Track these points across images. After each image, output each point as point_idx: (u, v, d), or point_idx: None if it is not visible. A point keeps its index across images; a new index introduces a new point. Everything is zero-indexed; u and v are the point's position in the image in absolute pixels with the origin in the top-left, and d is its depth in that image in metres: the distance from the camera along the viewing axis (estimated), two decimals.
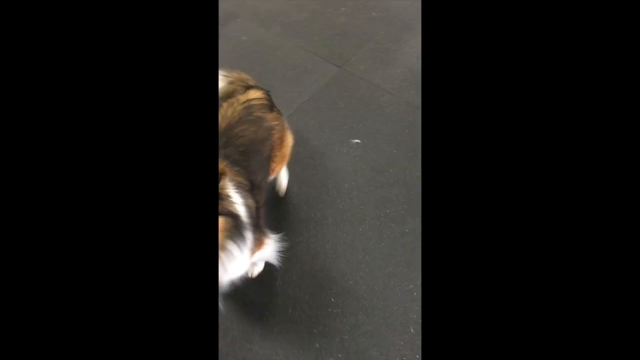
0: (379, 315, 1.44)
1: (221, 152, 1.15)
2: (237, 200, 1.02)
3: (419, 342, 1.38)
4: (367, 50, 2.39)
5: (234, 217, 0.98)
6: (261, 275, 1.50)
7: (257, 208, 1.15)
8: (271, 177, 1.49)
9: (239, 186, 1.09)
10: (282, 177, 1.67)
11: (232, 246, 0.98)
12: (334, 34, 2.47)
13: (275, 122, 1.38)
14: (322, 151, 1.90)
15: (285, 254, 1.57)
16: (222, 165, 0.95)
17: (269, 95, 1.45)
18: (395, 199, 1.76)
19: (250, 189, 1.13)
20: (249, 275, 1.45)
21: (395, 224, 1.69)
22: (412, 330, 1.41)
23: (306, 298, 1.47)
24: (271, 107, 1.40)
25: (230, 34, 2.42)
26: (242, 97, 1.34)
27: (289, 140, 1.52)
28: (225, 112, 1.28)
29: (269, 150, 1.33)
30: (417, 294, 1.50)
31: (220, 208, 0.94)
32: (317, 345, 1.38)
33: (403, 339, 1.39)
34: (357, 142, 1.96)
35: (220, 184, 0.95)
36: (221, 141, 1.19)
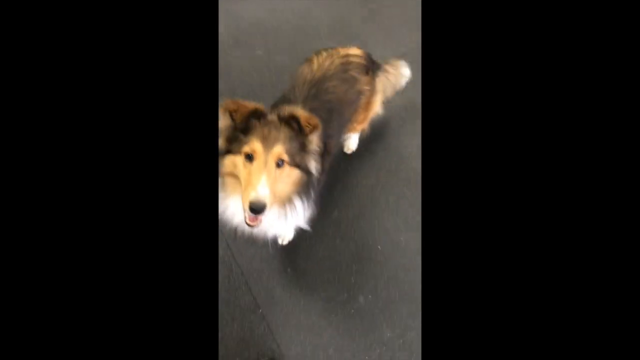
0: (416, 276, 1.46)
1: (308, 103, 1.17)
2: (315, 159, 1.05)
3: None
4: None
5: (309, 175, 1.02)
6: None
7: (321, 175, 1.16)
8: (344, 136, 1.48)
9: (317, 143, 1.09)
10: (353, 139, 1.66)
11: (298, 201, 1.04)
12: None
13: (367, 87, 1.34)
14: (416, 105, 1.82)
15: (350, 192, 1.62)
16: (316, 119, 0.97)
17: (369, 56, 1.39)
18: None
19: (323, 153, 1.14)
20: (280, 242, 1.48)
21: None
22: None
23: (355, 237, 1.53)
24: (367, 69, 1.35)
25: None
26: (343, 51, 1.32)
27: (377, 104, 1.47)
28: (323, 62, 1.27)
29: (351, 113, 1.32)
30: None
31: (300, 160, 0.98)
32: (352, 279, 1.47)
33: None
34: None
35: (312, 136, 0.99)
36: (311, 91, 1.19)
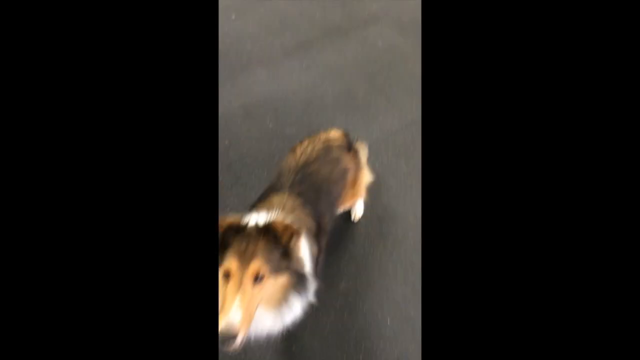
0: None
1: (296, 187, 1.22)
2: (305, 255, 1.05)
3: None
4: None
5: (300, 276, 1.01)
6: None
7: (319, 254, 1.17)
8: (340, 211, 1.51)
9: (307, 231, 1.12)
10: (358, 207, 1.69)
11: (294, 299, 1.01)
12: None
13: (351, 164, 1.42)
14: None
15: (358, 262, 1.60)
16: (293, 227, 0.97)
17: (348, 135, 1.49)
18: None
19: (317, 233, 1.16)
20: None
21: None
22: None
23: (364, 310, 1.48)
24: (349, 147, 1.45)
25: (368, 37, 2.48)
26: (323, 136, 1.42)
27: (364, 178, 1.53)
28: (306, 149, 1.35)
29: (340, 190, 1.37)
30: None
31: (286, 265, 0.96)
32: (360, 357, 1.38)
33: None
34: None
35: (294, 243, 0.97)
36: (297, 176, 1.25)
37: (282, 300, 1.00)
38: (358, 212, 1.70)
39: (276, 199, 1.20)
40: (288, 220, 1.09)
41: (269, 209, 1.15)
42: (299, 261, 1.02)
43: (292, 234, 0.95)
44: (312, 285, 1.07)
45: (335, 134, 1.45)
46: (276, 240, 0.95)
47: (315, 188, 1.25)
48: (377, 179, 1.82)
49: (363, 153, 1.58)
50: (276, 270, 0.94)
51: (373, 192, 1.78)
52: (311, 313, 1.43)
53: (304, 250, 1.07)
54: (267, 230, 0.95)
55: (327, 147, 1.37)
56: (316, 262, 1.13)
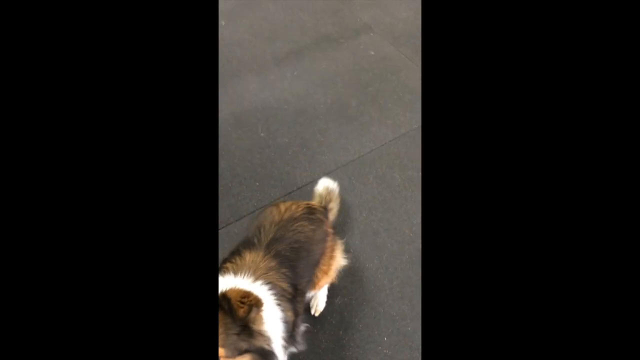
0: None
1: (274, 246, 1.10)
2: (271, 328, 0.95)
3: None
4: None
5: (265, 354, 0.91)
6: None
7: (296, 319, 1.08)
8: (311, 293, 1.36)
9: (281, 295, 1.03)
10: (321, 296, 1.46)
11: None
12: None
13: (331, 230, 1.34)
14: (417, 184, 1.83)
15: (353, 276, 1.56)
16: (254, 294, 0.87)
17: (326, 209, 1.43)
18: None
19: (293, 297, 1.06)
20: None
21: None
22: None
23: (360, 327, 1.44)
24: (327, 221, 1.37)
25: (360, 46, 2.47)
26: (304, 203, 1.34)
27: (339, 258, 1.38)
28: (290, 206, 1.26)
29: (320, 254, 1.25)
30: None
31: (249, 345, 0.85)
32: None
33: None
34: None
35: (253, 315, 0.86)
36: (277, 233, 1.14)
37: None
38: (320, 304, 1.45)
39: (249, 257, 1.08)
40: (256, 284, 0.98)
41: (238, 270, 1.03)
42: (263, 336, 0.90)
43: (250, 305, 0.84)
44: (291, 341, 0.97)
45: (315, 204, 1.39)
46: (232, 316, 0.84)
47: (297, 247, 1.15)
48: (372, 191, 1.80)
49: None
50: (234, 353, 0.83)
51: (367, 205, 1.76)
52: (306, 330, 1.38)
53: (270, 321, 0.95)
54: (223, 302, 0.84)
55: (311, 208, 1.28)
56: (292, 327, 1.02)
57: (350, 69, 2.35)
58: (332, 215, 1.49)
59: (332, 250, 1.35)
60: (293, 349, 1.13)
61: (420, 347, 1.39)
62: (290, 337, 1.05)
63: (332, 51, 2.45)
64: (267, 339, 0.93)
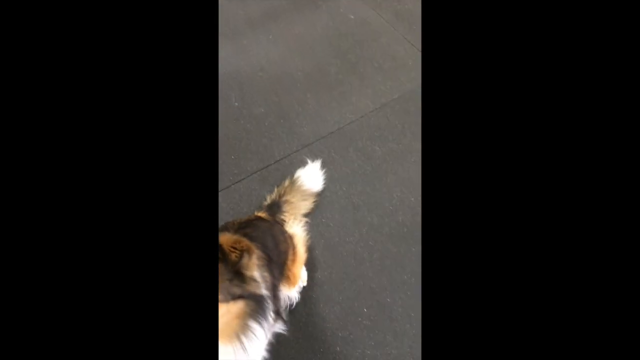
0: (407, 342, 1.38)
1: (240, 231, 1.12)
2: (259, 279, 0.95)
3: None
4: None
5: (257, 299, 0.91)
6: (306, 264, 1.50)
7: (273, 282, 1.08)
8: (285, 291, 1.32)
9: (259, 259, 1.02)
10: (302, 274, 1.42)
11: (255, 327, 0.90)
12: None
13: (290, 235, 1.34)
14: (398, 156, 1.81)
15: (333, 250, 1.55)
16: (245, 241, 0.88)
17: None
18: None
19: (268, 262, 1.07)
20: None
21: None
22: None
23: (340, 299, 1.45)
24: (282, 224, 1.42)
25: (339, 9, 2.34)
26: (254, 215, 1.37)
27: (302, 258, 1.38)
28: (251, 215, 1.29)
29: (285, 246, 1.26)
30: None
31: (242, 291, 0.86)
32: (337, 348, 1.37)
33: None
34: None
35: (245, 261, 0.88)
36: (243, 226, 1.17)
37: (240, 330, 0.88)
38: (302, 277, 1.43)
39: (220, 237, 1.06)
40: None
41: None
42: (255, 282, 0.91)
43: (242, 251, 0.85)
44: (271, 313, 0.96)
45: (265, 216, 1.41)
46: (224, 262, 0.84)
47: (260, 231, 1.17)
48: (352, 164, 1.77)
49: (299, 238, 1.41)
50: (227, 297, 0.83)
51: (347, 179, 1.73)
52: (288, 304, 1.38)
53: (258, 275, 0.95)
54: None
55: (273, 221, 1.32)
56: (272, 288, 1.02)
57: (329, 34, 2.23)
58: (290, 206, 1.50)
59: (295, 253, 1.34)
60: (279, 326, 1.13)
61: (399, 317, 1.42)
62: (275, 308, 1.04)
63: (310, 14, 2.31)
64: (259, 285, 0.93)
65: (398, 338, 1.39)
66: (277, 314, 1.08)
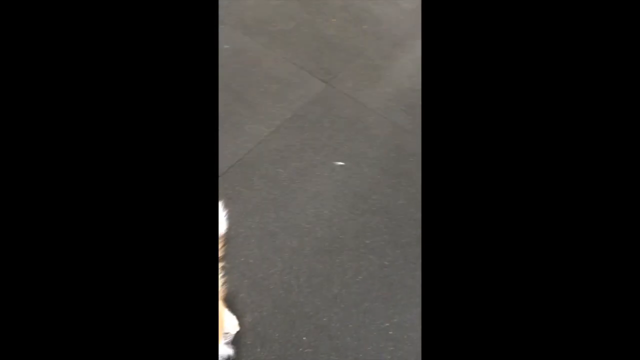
0: (351, 355, 1.37)
1: None
2: None
3: None
4: (355, 66, 2.31)
5: None
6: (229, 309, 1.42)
7: None
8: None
9: None
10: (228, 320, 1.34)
11: None
12: (322, 46, 2.38)
13: None
14: (303, 173, 1.82)
15: (259, 287, 1.49)
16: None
17: None
18: (377, 229, 1.70)
19: None
20: None
21: (375, 255, 1.62)
22: None
23: (277, 336, 1.40)
24: None
25: None
26: None
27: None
28: None
29: None
30: (393, 332, 1.45)
31: None
32: None
33: None
34: (341, 165, 1.88)
35: None
36: None
37: None
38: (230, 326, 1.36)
39: None
40: None
41: None
42: None
43: None
44: None
45: None
46: None
47: None
48: (260, 193, 1.73)
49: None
50: None
51: (258, 209, 1.69)
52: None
53: None
54: None
55: None
56: None
57: None
58: None
59: None
60: None
61: (338, 334, 1.41)
62: None
63: None
64: None
65: (341, 353, 1.37)
66: None
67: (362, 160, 1.92)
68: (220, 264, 1.48)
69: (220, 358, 1.26)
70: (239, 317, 1.40)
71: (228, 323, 1.35)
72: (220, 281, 1.35)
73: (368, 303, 1.50)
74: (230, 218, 1.59)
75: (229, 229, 1.58)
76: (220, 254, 1.50)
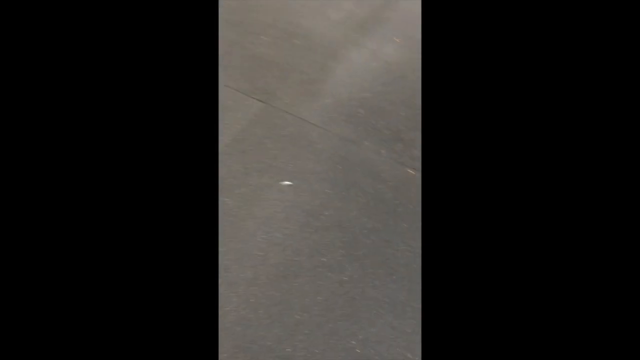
0: None
1: None
2: None
3: None
4: (292, 82, 2.30)
5: None
6: None
7: None
8: None
9: None
10: None
11: None
12: (255, 65, 2.35)
13: None
14: (250, 199, 1.76)
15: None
16: None
17: None
18: (332, 244, 1.68)
19: None
20: None
21: (333, 272, 1.59)
22: None
23: None
24: None
25: None
26: None
27: None
28: None
29: None
30: (360, 350, 1.42)
31: None
32: None
33: None
34: (289, 185, 1.85)
35: None
36: None
37: None
38: None
39: None
40: None
41: None
42: None
43: None
44: None
45: None
46: None
47: None
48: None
49: None
50: None
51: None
52: None
53: None
54: None
55: None
56: None
57: None
58: None
59: None
60: None
61: None
62: None
63: None
64: None
65: None
66: None
67: (310, 176, 1.89)
68: None
69: None
70: None
71: None
72: None
73: (331, 324, 1.46)
74: None
75: None
76: None
